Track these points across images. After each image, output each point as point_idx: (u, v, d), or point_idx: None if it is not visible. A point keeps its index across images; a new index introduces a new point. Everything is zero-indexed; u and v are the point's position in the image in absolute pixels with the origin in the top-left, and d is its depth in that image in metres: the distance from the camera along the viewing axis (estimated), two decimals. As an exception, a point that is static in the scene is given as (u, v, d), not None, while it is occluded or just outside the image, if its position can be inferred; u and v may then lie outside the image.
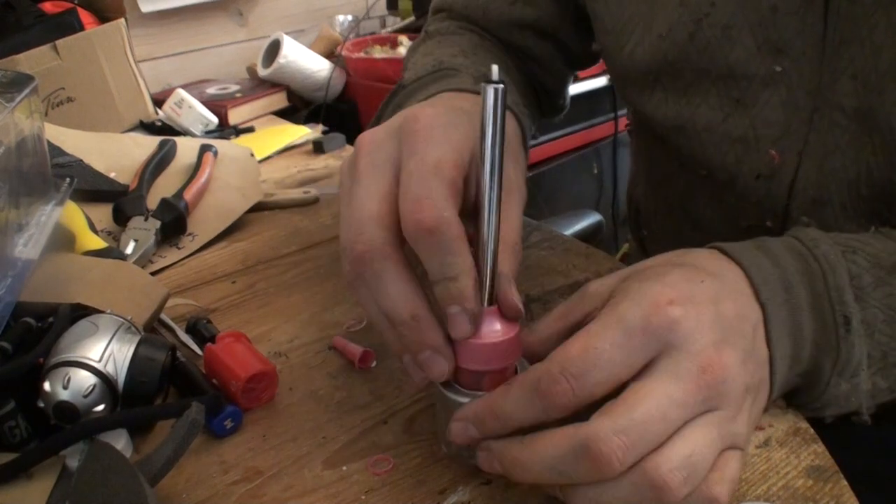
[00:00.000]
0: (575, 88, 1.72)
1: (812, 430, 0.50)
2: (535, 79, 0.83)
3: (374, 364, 0.60)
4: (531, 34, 0.78)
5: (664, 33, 0.63)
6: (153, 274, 0.77)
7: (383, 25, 2.05)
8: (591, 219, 1.37)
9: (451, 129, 0.45)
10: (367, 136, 0.47)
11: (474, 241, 0.42)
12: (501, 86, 0.38)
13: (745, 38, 0.58)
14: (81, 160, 0.94)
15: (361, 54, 1.63)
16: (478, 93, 0.40)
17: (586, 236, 1.35)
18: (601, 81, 1.76)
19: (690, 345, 0.40)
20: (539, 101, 0.86)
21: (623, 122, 1.86)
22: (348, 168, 0.47)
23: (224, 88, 1.53)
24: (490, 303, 0.43)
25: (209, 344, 0.58)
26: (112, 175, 0.94)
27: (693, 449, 0.39)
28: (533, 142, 1.69)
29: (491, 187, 0.40)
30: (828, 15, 0.55)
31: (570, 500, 0.41)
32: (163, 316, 0.67)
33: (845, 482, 0.46)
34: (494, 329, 0.43)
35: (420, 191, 0.41)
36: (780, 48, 0.57)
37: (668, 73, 0.64)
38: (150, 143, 1.05)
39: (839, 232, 0.51)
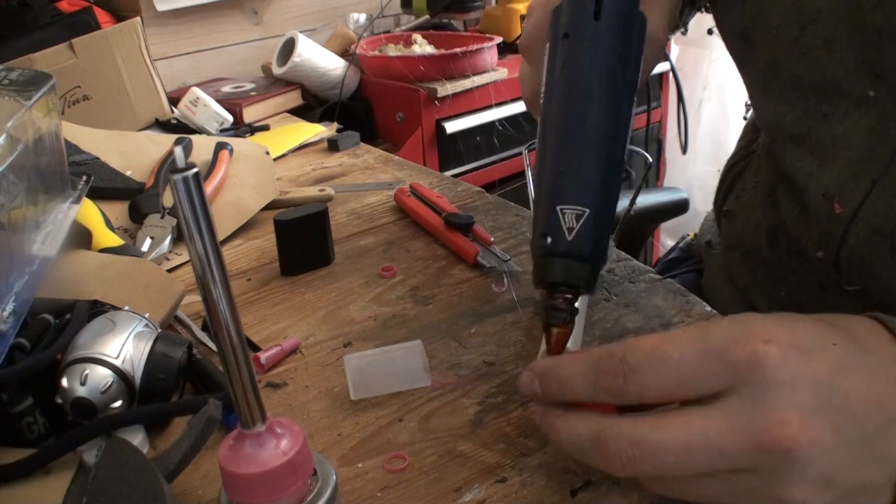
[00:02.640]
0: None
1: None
2: None
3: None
4: None
5: (774, 30, 0.61)
6: (169, 271, 0.78)
7: (397, 24, 2.05)
8: (677, 195, 1.39)
9: None
10: None
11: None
12: (192, 171, 0.30)
13: (845, 55, 0.55)
14: (98, 158, 0.94)
15: (376, 52, 1.63)
16: None
17: (670, 210, 1.38)
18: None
19: (770, 395, 0.35)
20: None
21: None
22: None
23: (239, 87, 1.53)
24: (262, 420, 0.35)
25: None
26: (128, 173, 0.94)
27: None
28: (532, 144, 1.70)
29: (211, 279, 0.32)
30: None
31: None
32: (179, 313, 0.67)
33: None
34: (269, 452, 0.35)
35: None
36: (879, 73, 0.54)
37: (769, 72, 0.63)
38: (166, 141, 1.05)
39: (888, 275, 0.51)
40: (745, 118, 0.86)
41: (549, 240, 0.46)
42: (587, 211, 0.45)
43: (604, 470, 0.40)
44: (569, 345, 0.47)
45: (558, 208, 0.45)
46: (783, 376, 0.35)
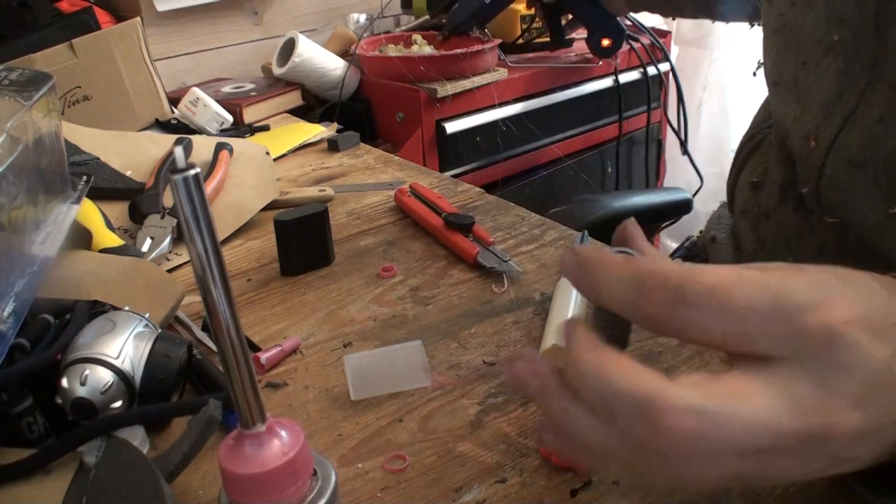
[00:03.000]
0: (580, 90, 1.72)
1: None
2: None
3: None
4: None
5: None
6: (169, 271, 0.77)
7: (398, 24, 2.04)
8: (679, 195, 1.39)
9: None
10: None
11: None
12: (192, 171, 0.30)
13: (817, 4, 0.60)
14: (98, 158, 0.94)
15: (376, 53, 1.63)
16: None
17: (672, 210, 1.38)
18: (607, 83, 1.76)
19: (834, 381, 0.33)
20: None
21: (628, 123, 1.86)
22: None
23: (239, 87, 1.53)
24: (262, 420, 0.35)
25: None
26: (128, 173, 0.94)
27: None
28: (532, 145, 1.70)
29: (211, 279, 0.32)
30: None
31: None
32: (179, 313, 0.67)
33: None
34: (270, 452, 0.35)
35: None
36: (842, 19, 0.58)
37: (779, 29, 0.67)
38: (166, 141, 1.05)
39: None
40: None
41: None
42: None
43: (643, 441, 0.33)
44: (569, 313, 0.45)
45: None
46: (850, 361, 0.33)
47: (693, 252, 0.98)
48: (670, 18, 1.98)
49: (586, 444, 0.36)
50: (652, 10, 1.32)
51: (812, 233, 0.67)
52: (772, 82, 0.71)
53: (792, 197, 0.69)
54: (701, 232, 0.95)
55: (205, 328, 0.66)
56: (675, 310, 0.34)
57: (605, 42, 1.66)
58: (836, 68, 0.60)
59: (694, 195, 1.49)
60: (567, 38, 1.79)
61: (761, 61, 0.77)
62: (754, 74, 0.90)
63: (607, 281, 0.36)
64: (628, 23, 1.86)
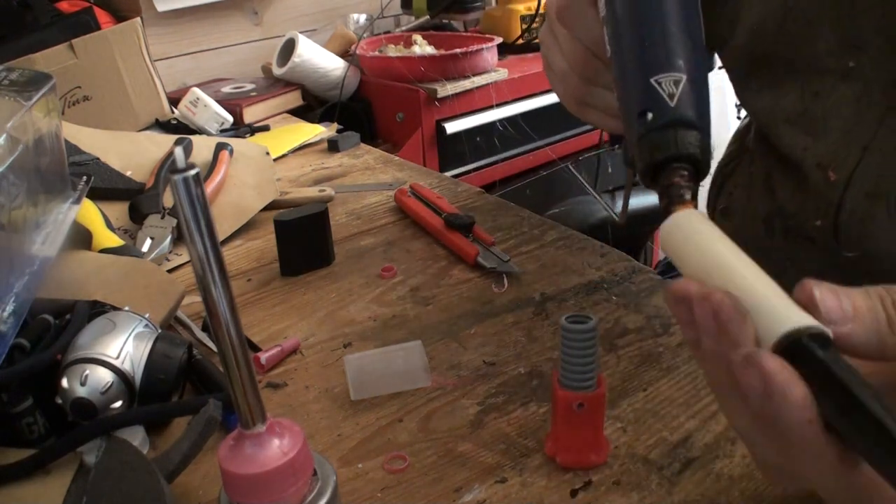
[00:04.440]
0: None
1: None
2: None
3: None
4: None
5: (755, 27, 0.63)
6: (169, 272, 0.77)
7: (398, 24, 2.05)
8: None
9: None
10: None
11: None
12: (192, 172, 0.29)
13: (826, 33, 0.58)
14: (98, 158, 0.94)
15: (376, 53, 1.63)
16: None
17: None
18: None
19: None
20: None
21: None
22: None
23: (239, 87, 1.53)
24: (262, 420, 0.35)
25: None
26: (128, 173, 0.94)
27: None
28: (531, 145, 1.69)
29: (211, 279, 0.31)
30: None
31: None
32: (179, 313, 0.67)
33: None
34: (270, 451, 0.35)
35: None
36: (858, 45, 0.57)
37: (764, 65, 0.65)
38: (166, 141, 1.05)
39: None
40: (738, 118, 0.88)
41: (651, 115, 0.42)
42: (684, 76, 0.42)
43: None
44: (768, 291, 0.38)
45: (653, 80, 0.42)
46: None
47: None
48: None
49: (728, 418, 0.36)
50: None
51: (808, 260, 0.66)
52: (763, 119, 0.68)
53: (779, 229, 0.68)
54: None
55: (205, 328, 0.66)
56: None
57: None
58: (853, 94, 0.59)
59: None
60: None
61: (738, 104, 0.76)
62: (738, 118, 0.89)
63: (848, 308, 0.33)
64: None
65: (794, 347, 0.32)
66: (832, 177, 0.61)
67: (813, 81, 0.61)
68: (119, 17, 1.27)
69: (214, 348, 0.62)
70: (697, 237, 0.38)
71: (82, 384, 0.48)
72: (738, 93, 0.71)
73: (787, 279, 0.52)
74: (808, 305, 0.33)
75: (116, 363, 0.49)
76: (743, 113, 0.81)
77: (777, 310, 0.33)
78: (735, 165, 0.81)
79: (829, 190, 0.61)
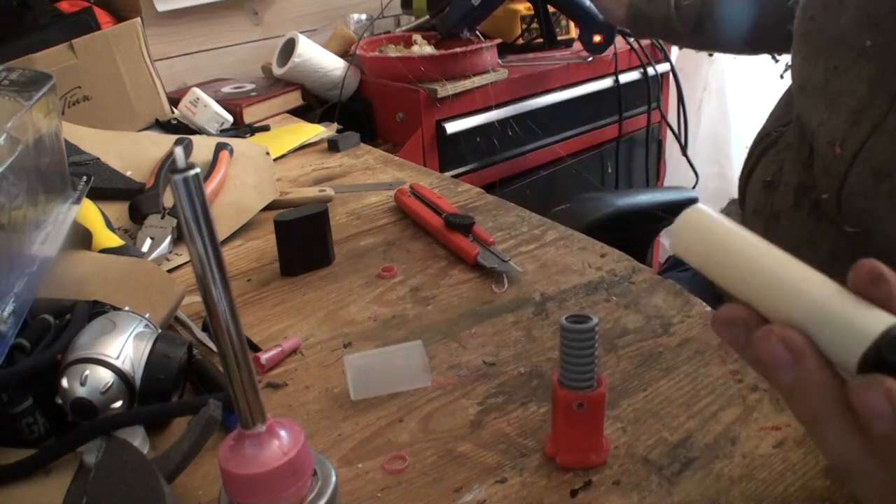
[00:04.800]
0: (580, 90, 1.72)
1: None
2: None
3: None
4: None
5: None
6: (169, 272, 0.77)
7: (398, 24, 2.05)
8: (686, 194, 1.40)
9: None
10: None
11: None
12: (192, 172, 0.29)
13: (852, 8, 0.59)
14: (98, 158, 0.94)
15: (376, 53, 1.63)
16: None
17: (679, 209, 1.41)
18: (607, 83, 1.76)
19: None
20: None
21: (628, 123, 1.86)
22: None
23: (239, 87, 1.53)
24: (262, 420, 0.35)
25: None
26: (128, 173, 0.94)
27: None
28: (532, 145, 1.69)
29: (211, 279, 0.31)
30: None
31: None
32: (179, 313, 0.67)
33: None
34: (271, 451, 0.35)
35: None
36: (877, 23, 0.58)
37: (809, 32, 0.66)
38: (166, 141, 1.05)
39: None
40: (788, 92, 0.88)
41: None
42: None
43: None
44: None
45: None
46: None
47: None
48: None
49: (832, 451, 0.33)
50: (653, 36, 1.33)
51: (825, 238, 0.67)
52: (798, 86, 0.70)
53: (807, 201, 0.69)
54: None
55: (205, 328, 0.66)
56: None
57: (597, 38, 1.67)
58: (868, 74, 0.59)
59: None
60: (559, 38, 1.79)
61: (789, 64, 0.77)
62: (781, 77, 0.90)
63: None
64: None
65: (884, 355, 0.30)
66: (837, 150, 0.61)
67: (835, 55, 0.62)
68: (119, 17, 1.26)
69: (214, 348, 0.62)
70: (719, 238, 0.36)
71: (82, 384, 0.48)
72: (792, 63, 0.72)
73: (800, 256, 0.49)
74: (871, 284, 0.32)
75: (116, 363, 0.49)
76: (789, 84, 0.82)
77: (854, 314, 0.31)
78: (776, 137, 0.82)
79: (835, 164, 0.62)
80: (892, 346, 0.30)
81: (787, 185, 0.73)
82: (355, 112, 1.61)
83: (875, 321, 0.31)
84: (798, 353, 0.32)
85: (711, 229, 0.37)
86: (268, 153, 1.05)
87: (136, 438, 0.49)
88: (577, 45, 1.80)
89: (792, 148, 0.74)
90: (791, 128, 0.77)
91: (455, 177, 1.33)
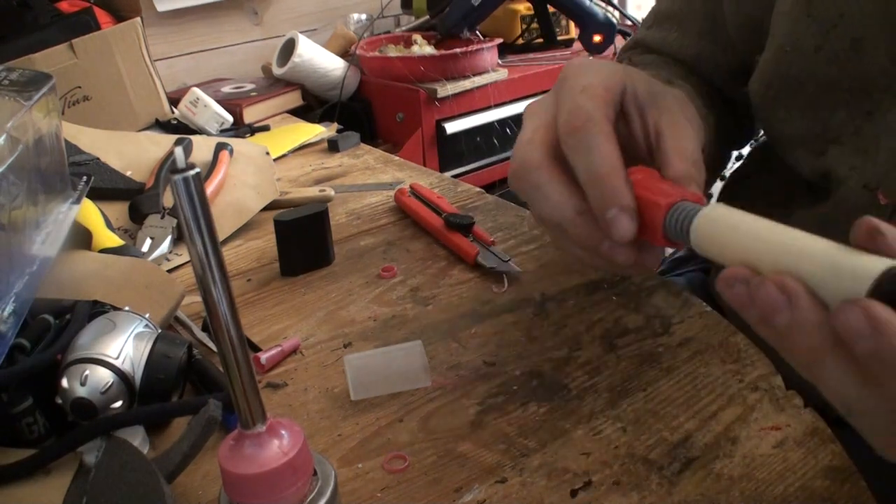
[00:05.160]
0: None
1: (829, 431, 0.50)
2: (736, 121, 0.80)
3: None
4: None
5: (788, 47, 0.61)
6: (169, 272, 0.77)
7: (398, 24, 2.05)
8: None
9: (599, 67, 0.49)
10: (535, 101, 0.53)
11: None
12: (193, 171, 0.30)
13: (877, 51, 0.56)
14: (98, 158, 0.94)
15: (376, 53, 1.63)
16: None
17: None
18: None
19: None
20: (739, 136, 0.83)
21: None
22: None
23: (239, 87, 1.53)
24: (262, 420, 0.35)
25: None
26: (128, 173, 0.94)
27: None
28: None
29: (211, 279, 0.32)
30: None
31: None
32: (179, 313, 0.67)
33: (864, 483, 0.46)
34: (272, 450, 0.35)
35: (570, 104, 0.46)
36: None
37: (790, 88, 0.63)
38: (166, 141, 1.05)
39: None
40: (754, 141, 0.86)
41: None
42: None
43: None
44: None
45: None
46: None
47: (694, 253, 0.97)
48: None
49: (832, 392, 0.35)
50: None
51: None
52: (808, 139, 0.64)
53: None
54: None
55: (205, 328, 0.66)
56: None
57: (597, 38, 1.67)
58: None
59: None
60: (559, 38, 1.79)
61: (760, 138, 0.75)
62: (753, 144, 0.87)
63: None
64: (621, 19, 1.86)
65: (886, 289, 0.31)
66: (883, 199, 0.58)
67: (864, 100, 0.59)
68: (119, 17, 1.27)
69: (214, 348, 0.62)
70: (736, 223, 0.39)
71: (82, 384, 0.48)
72: (763, 116, 0.68)
73: None
74: (870, 239, 0.33)
75: (116, 363, 0.49)
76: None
77: (854, 261, 0.33)
78: (750, 183, 0.79)
79: (876, 212, 0.60)
80: (892, 280, 0.31)
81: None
82: (355, 112, 1.61)
83: (875, 262, 0.32)
84: (793, 294, 0.34)
85: (733, 219, 0.39)
86: (268, 153, 1.05)
87: (136, 438, 0.49)
88: (577, 45, 1.80)
89: (773, 197, 0.72)
90: (767, 179, 0.75)
91: (455, 177, 1.33)
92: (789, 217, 0.68)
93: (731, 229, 0.39)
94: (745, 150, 0.82)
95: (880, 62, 0.56)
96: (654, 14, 0.82)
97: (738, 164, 0.83)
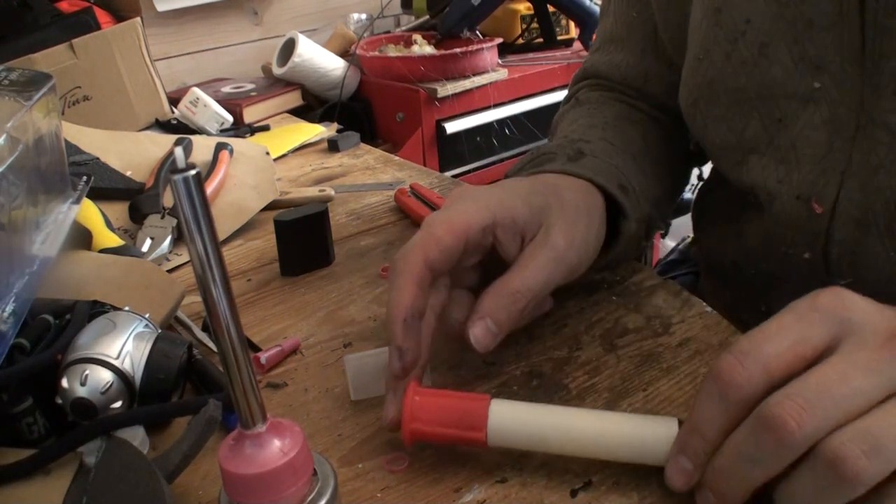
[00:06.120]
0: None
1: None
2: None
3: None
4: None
5: (701, 56, 0.62)
6: (169, 272, 0.78)
7: (398, 24, 2.05)
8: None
9: (476, 197, 0.53)
10: None
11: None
12: (193, 171, 0.30)
13: (781, 56, 0.56)
14: (98, 158, 0.94)
15: (376, 53, 1.63)
16: (566, 173, 0.51)
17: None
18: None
19: (871, 318, 0.39)
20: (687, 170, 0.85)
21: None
22: None
23: (239, 87, 1.53)
24: (262, 420, 0.35)
25: None
26: (128, 173, 0.94)
27: (880, 421, 0.35)
28: (532, 145, 1.69)
29: (211, 279, 0.32)
30: (865, 28, 0.52)
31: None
32: (179, 313, 0.67)
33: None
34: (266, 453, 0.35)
35: (421, 234, 0.51)
36: (819, 65, 0.55)
37: (705, 97, 0.63)
38: (166, 141, 1.05)
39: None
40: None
41: None
42: None
43: (776, 457, 0.38)
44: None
45: None
46: (866, 308, 0.40)
47: (686, 256, 0.97)
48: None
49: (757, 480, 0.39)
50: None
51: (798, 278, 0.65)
52: (729, 149, 0.65)
53: (780, 253, 0.65)
54: (693, 237, 0.94)
55: (205, 328, 0.66)
56: (742, 362, 0.39)
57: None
58: (821, 117, 0.57)
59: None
60: (559, 38, 1.79)
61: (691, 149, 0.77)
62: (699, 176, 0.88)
63: (699, 419, 0.41)
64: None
65: None
66: (818, 209, 0.59)
67: (772, 107, 0.59)
68: (119, 17, 1.27)
69: (214, 348, 0.62)
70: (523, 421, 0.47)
71: (82, 384, 0.48)
72: (691, 126, 0.69)
73: (769, 302, 0.59)
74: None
75: (116, 363, 0.49)
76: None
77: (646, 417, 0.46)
78: (713, 197, 0.80)
79: (813, 222, 0.60)
80: None
81: (722, 254, 0.73)
82: (355, 112, 1.61)
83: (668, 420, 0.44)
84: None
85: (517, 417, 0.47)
86: (268, 153, 1.05)
87: (136, 438, 0.49)
88: (577, 45, 1.80)
89: (722, 215, 0.73)
90: (726, 191, 0.74)
91: (455, 177, 1.33)
92: (741, 234, 0.69)
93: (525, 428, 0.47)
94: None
95: (785, 65, 0.56)
96: (600, 36, 0.84)
97: (706, 179, 0.84)
